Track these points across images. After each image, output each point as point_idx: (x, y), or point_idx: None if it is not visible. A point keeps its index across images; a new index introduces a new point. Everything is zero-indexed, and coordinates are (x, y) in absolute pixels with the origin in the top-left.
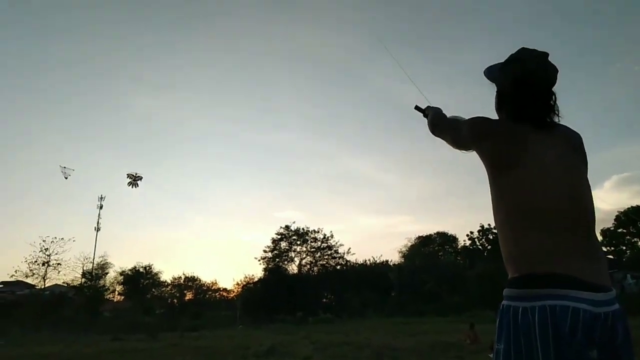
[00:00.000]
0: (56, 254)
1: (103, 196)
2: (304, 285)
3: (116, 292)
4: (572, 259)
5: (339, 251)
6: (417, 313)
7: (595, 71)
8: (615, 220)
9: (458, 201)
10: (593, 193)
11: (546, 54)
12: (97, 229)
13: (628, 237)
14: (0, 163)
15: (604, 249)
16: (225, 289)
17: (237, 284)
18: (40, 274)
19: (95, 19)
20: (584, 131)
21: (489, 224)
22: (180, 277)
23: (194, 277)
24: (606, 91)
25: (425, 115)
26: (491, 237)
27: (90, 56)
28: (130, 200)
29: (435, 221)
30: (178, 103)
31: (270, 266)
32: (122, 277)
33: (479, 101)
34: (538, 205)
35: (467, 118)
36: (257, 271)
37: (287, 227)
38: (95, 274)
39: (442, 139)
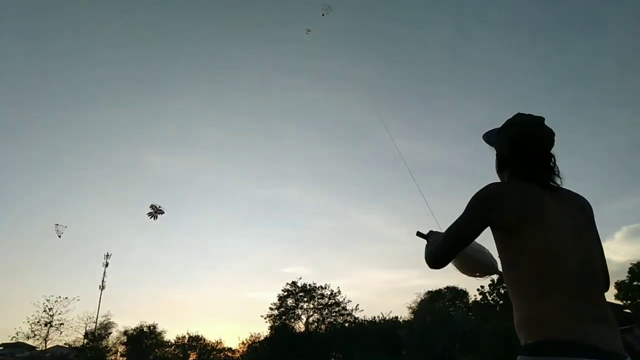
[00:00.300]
0: (59, 313)
1: (109, 254)
2: (312, 344)
3: (118, 354)
4: (589, 325)
5: (347, 308)
6: None
7: (599, 120)
8: (629, 272)
9: None
10: (604, 245)
11: (542, 119)
12: (102, 287)
13: None
14: (5, 221)
15: (619, 302)
16: (230, 349)
17: (243, 343)
18: (42, 335)
19: (103, 76)
20: (591, 181)
21: (499, 278)
22: (184, 337)
23: (198, 336)
24: (612, 140)
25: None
26: (502, 292)
27: (102, 115)
28: (135, 258)
29: (444, 275)
30: (185, 160)
31: (276, 324)
32: (125, 336)
33: (486, 156)
34: (555, 269)
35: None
36: (263, 329)
37: (293, 284)
38: (98, 334)
39: (447, 255)
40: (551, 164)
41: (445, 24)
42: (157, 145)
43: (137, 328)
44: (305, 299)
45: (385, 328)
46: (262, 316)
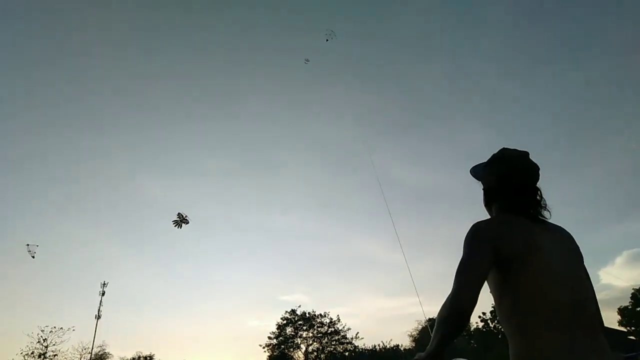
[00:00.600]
0: (54, 344)
1: (106, 282)
2: None
3: None
4: (582, 359)
5: (347, 336)
6: None
7: (599, 145)
8: (631, 298)
9: None
10: (605, 270)
11: (526, 153)
12: (98, 317)
13: None
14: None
15: (623, 329)
16: None
17: None
18: None
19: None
20: (591, 207)
21: None
22: None
23: None
24: (610, 165)
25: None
26: None
27: (99, 144)
28: (133, 286)
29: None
30: (184, 188)
31: (275, 354)
32: None
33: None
34: (549, 303)
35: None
36: (262, 359)
37: (293, 312)
38: None
39: (465, 293)
40: (538, 197)
41: (440, 55)
42: (155, 173)
43: (134, 359)
44: (305, 328)
45: (386, 357)
46: (260, 345)
